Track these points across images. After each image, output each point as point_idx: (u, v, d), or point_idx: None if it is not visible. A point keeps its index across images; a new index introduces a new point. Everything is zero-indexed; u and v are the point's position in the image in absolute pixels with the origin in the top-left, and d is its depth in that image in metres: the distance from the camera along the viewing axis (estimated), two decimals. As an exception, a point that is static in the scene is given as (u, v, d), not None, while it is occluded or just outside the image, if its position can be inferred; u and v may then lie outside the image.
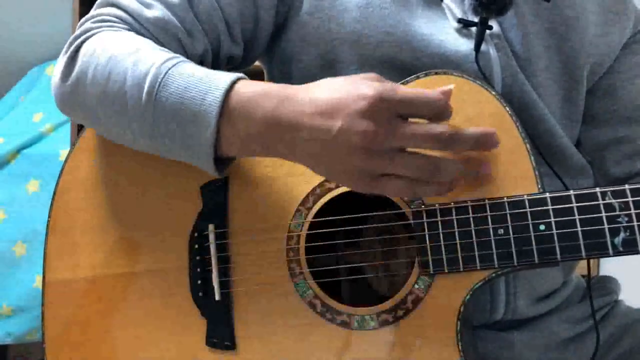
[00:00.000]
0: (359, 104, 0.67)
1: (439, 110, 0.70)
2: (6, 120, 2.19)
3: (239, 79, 0.76)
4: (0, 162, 2.00)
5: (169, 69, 0.78)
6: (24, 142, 2.04)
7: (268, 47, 0.97)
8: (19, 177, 1.99)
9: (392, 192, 0.73)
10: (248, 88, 0.75)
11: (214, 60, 0.93)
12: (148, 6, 0.87)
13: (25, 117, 2.17)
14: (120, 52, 0.81)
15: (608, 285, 1.04)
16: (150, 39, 0.86)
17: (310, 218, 0.85)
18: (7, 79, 2.39)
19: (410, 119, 0.71)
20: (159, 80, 0.77)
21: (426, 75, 0.84)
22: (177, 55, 0.81)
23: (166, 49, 0.83)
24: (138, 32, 0.86)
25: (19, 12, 2.51)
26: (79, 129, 0.92)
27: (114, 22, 0.86)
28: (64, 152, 1.95)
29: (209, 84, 0.76)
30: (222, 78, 0.76)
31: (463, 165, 0.74)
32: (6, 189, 1.98)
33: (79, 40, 0.86)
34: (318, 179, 0.85)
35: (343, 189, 0.85)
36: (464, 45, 0.89)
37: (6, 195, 1.97)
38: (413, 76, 0.85)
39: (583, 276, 1.04)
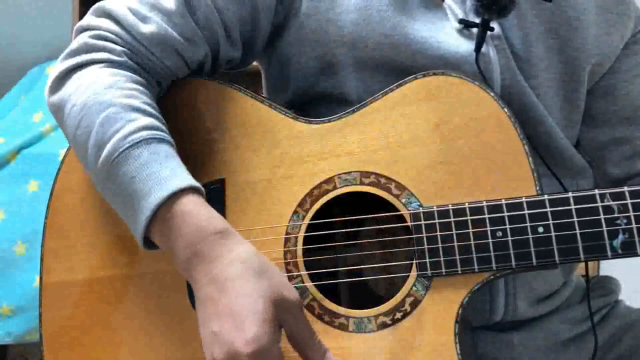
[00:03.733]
0: (238, 344, 0.70)
1: None
2: (6, 120, 2.19)
3: (184, 190, 0.76)
4: (0, 162, 2.00)
5: (126, 149, 0.78)
6: (24, 142, 2.03)
7: (266, 48, 0.97)
8: (19, 177, 1.99)
9: None
10: (187, 207, 0.76)
11: (213, 63, 0.93)
12: (144, 20, 0.86)
13: (25, 117, 2.17)
14: (95, 104, 0.81)
15: (608, 286, 1.04)
16: (146, 53, 0.86)
17: (307, 220, 0.85)
18: (7, 79, 2.39)
19: None
20: (114, 156, 0.78)
21: (424, 76, 0.84)
22: (143, 125, 0.80)
23: (139, 107, 0.82)
24: (133, 49, 0.86)
25: (19, 12, 2.51)
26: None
27: (111, 40, 0.86)
28: (63, 152, 1.95)
29: (153, 186, 0.76)
30: (165, 187, 0.76)
31: None
32: (6, 189, 1.98)
33: (75, 62, 0.86)
34: (315, 181, 0.85)
35: (341, 191, 0.85)
36: (463, 46, 0.89)
37: (6, 195, 1.97)
38: (411, 77, 0.85)
39: (583, 276, 1.04)
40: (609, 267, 1.88)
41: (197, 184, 0.78)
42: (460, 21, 0.90)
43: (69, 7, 2.32)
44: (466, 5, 0.91)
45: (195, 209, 0.76)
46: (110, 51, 0.86)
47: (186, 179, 0.77)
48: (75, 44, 0.87)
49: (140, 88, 0.84)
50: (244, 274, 0.73)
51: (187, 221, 0.75)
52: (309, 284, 0.84)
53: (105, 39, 0.86)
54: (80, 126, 0.82)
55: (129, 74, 0.85)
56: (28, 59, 2.41)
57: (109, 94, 0.81)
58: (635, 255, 0.75)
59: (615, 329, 0.97)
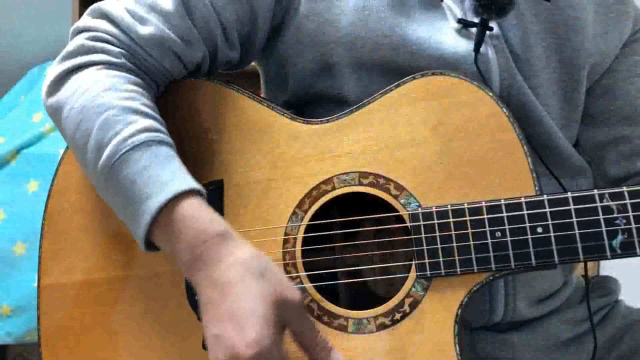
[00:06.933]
0: (239, 347, 0.69)
1: None
2: (6, 120, 2.19)
3: (185, 192, 0.76)
4: (0, 162, 2.00)
5: (126, 152, 0.78)
6: (24, 142, 2.03)
7: (264, 49, 0.97)
8: (19, 177, 1.99)
9: None
10: (188, 210, 0.76)
11: (211, 64, 0.93)
12: (142, 21, 0.86)
13: (25, 117, 2.17)
14: (93, 106, 0.81)
15: (608, 286, 1.04)
16: (144, 55, 0.86)
17: (306, 221, 0.85)
18: (7, 79, 2.39)
19: None
20: (114, 159, 0.78)
21: (423, 76, 0.84)
22: (142, 127, 0.80)
23: (138, 109, 0.81)
24: (131, 50, 0.86)
25: (19, 12, 2.51)
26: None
27: (109, 42, 0.86)
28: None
29: (153, 189, 0.76)
30: (165, 190, 0.76)
31: None
32: (6, 189, 1.97)
33: (72, 64, 0.86)
34: (314, 182, 0.85)
35: (340, 192, 0.84)
36: (462, 46, 0.88)
37: (6, 195, 1.97)
38: (409, 77, 0.84)
39: (583, 276, 1.03)
40: (609, 267, 1.88)
41: (198, 186, 0.77)
42: (459, 21, 0.89)
43: (69, 7, 2.32)
44: (465, 5, 0.91)
45: (196, 212, 0.76)
46: (108, 53, 0.85)
47: (187, 181, 0.77)
48: (72, 45, 0.87)
49: (139, 90, 0.84)
50: (244, 277, 0.72)
51: (188, 224, 0.75)
52: (308, 285, 0.84)
53: (103, 40, 0.86)
54: (79, 129, 0.82)
55: (128, 75, 0.85)
56: (28, 59, 2.41)
57: (107, 96, 0.81)
58: (635, 255, 0.75)
59: (615, 329, 0.97)
